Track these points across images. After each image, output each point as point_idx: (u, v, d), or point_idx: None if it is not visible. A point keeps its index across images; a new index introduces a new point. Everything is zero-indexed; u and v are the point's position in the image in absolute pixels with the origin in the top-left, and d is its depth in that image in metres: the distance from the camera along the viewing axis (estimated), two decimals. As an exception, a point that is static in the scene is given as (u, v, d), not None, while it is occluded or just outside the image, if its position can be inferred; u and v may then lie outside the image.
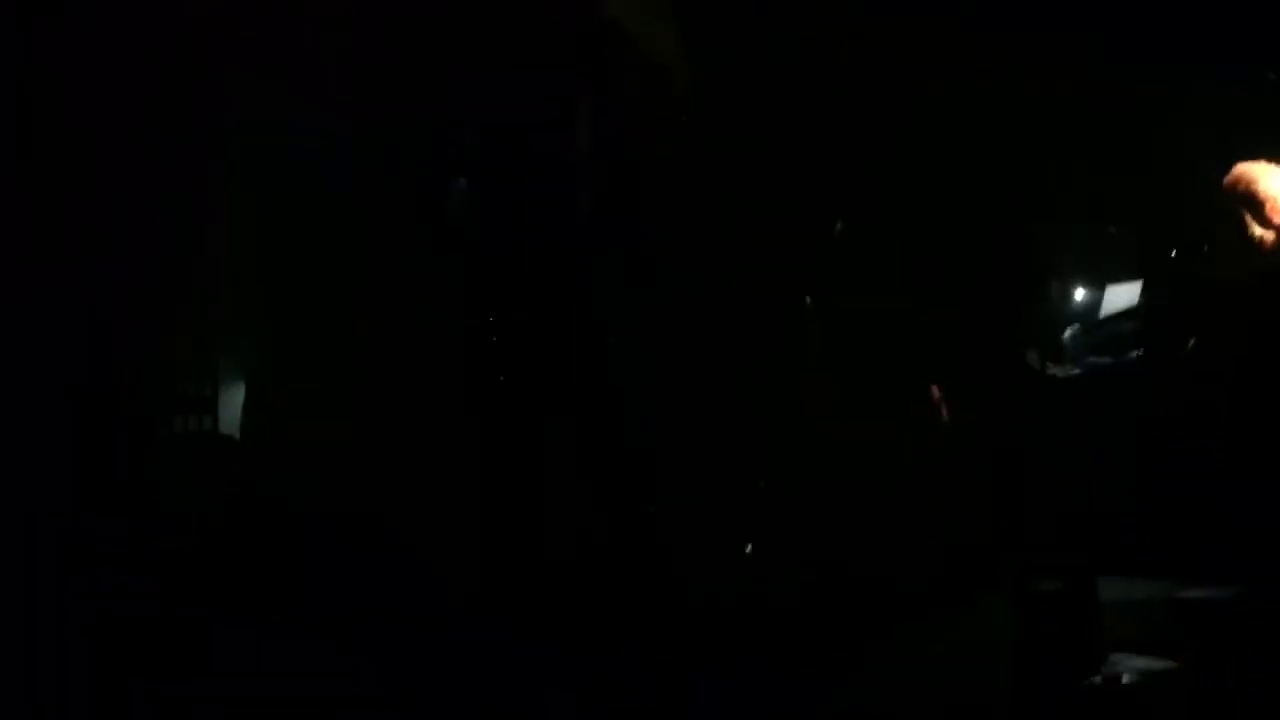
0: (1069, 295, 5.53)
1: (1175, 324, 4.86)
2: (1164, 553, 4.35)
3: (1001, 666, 4.07)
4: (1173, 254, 5.03)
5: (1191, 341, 4.71)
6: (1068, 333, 5.52)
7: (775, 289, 6.31)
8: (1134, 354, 5.03)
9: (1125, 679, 3.80)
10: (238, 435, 4.56)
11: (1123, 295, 5.35)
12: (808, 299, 6.30)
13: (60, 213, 4.04)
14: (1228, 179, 5.60)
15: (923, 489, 5.55)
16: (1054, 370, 5.26)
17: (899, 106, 6.87)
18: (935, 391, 6.99)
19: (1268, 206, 5.33)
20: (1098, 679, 3.81)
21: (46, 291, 3.84)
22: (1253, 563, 4.03)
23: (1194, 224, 5.51)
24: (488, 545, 3.84)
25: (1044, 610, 4.18)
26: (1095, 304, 5.41)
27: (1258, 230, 5.35)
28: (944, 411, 6.90)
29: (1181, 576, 4.18)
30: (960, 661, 4.14)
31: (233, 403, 4.58)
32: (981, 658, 4.16)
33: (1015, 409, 4.99)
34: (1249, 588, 4.05)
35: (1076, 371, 5.22)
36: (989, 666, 4.09)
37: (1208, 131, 6.25)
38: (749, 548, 4.39)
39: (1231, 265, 5.15)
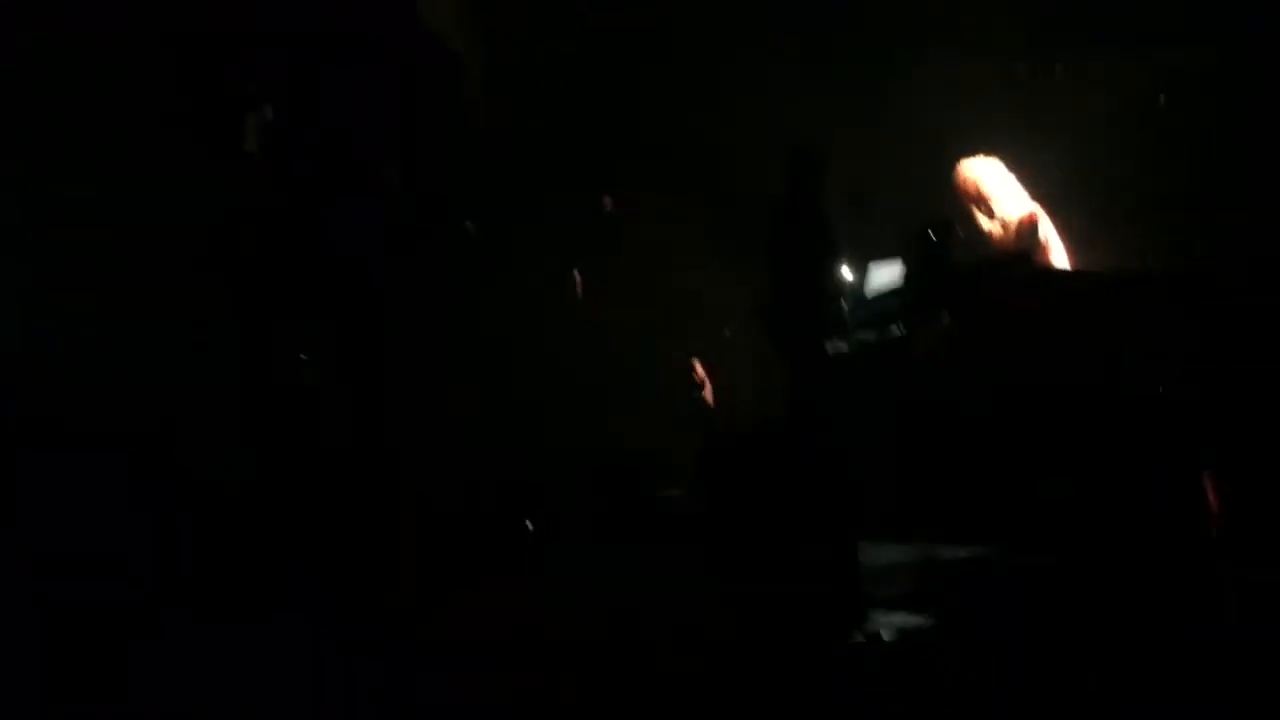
0: (838, 273, 5.77)
1: (931, 303, 5.16)
2: (920, 516, 4.61)
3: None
4: (931, 236, 5.32)
5: (945, 318, 5.03)
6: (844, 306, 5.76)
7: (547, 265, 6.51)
8: (896, 330, 5.31)
9: (884, 636, 4.00)
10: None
11: (886, 274, 5.62)
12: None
13: None
14: (955, 178, 6.09)
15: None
16: (830, 346, 5.47)
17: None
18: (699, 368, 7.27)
19: (990, 203, 5.86)
20: (859, 637, 4.00)
21: None
22: (1003, 523, 4.33)
23: (944, 207, 5.92)
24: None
25: (809, 572, 4.37)
26: (861, 282, 5.66)
27: (985, 223, 5.86)
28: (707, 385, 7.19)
29: (935, 538, 4.44)
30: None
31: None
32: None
33: (808, 384, 5.14)
34: (998, 546, 4.35)
35: (846, 348, 5.46)
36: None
37: (951, 113, 6.72)
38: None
39: (971, 251, 5.62)
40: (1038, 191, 6.04)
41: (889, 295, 5.47)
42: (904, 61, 7.04)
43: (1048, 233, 5.85)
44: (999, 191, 5.90)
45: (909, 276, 5.41)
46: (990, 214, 5.86)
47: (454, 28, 4.97)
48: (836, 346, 5.45)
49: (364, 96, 3.14)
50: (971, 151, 6.04)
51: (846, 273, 5.53)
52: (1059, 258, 5.83)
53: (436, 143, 3.53)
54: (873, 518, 4.77)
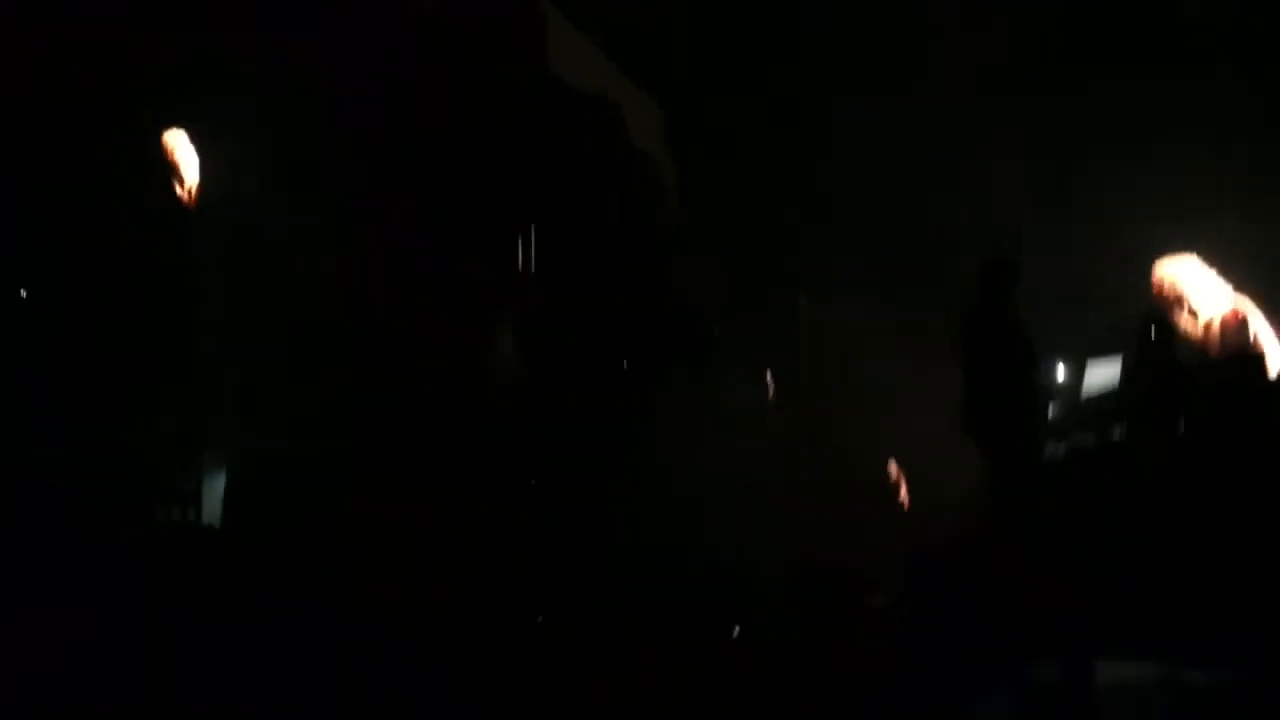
0: (1051, 373, 5.59)
1: (1159, 405, 4.92)
2: (1166, 635, 4.32)
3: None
4: (1152, 335, 5.11)
5: (1181, 422, 4.78)
6: (1052, 410, 5.58)
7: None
8: (1118, 433, 5.08)
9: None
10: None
11: (1101, 374, 5.41)
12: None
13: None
14: (1154, 280, 5.87)
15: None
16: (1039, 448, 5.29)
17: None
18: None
19: (1191, 304, 5.60)
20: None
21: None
22: (1257, 647, 4.02)
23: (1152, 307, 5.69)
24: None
25: (1047, 698, 4.13)
26: (1077, 383, 5.47)
27: (1189, 325, 5.60)
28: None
29: (1184, 660, 4.15)
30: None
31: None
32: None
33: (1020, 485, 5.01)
34: (1252, 673, 4.04)
35: (1061, 451, 5.25)
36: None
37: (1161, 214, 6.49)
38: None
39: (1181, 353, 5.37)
40: (1253, 287, 5.76)
41: (1107, 396, 5.26)
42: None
43: (1259, 328, 5.55)
44: (1199, 290, 5.65)
45: (1127, 376, 5.20)
46: (1194, 315, 5.61)
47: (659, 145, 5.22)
48: (1051, 451, 5.26)
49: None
50: (1172, 248, 5.84)
51: (1060, 373, 5.37)
52: (1276, 353, 5.52)
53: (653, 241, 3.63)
54: (1106, 633, 4.49)
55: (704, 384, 4.75)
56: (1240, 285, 5.77)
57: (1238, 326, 5.50)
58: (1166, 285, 5.68)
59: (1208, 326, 5.60)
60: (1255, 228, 6.22)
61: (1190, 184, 6.42)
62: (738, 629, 5.26)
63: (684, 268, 5.56)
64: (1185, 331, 5.62)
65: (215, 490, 4.52)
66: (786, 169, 7.15)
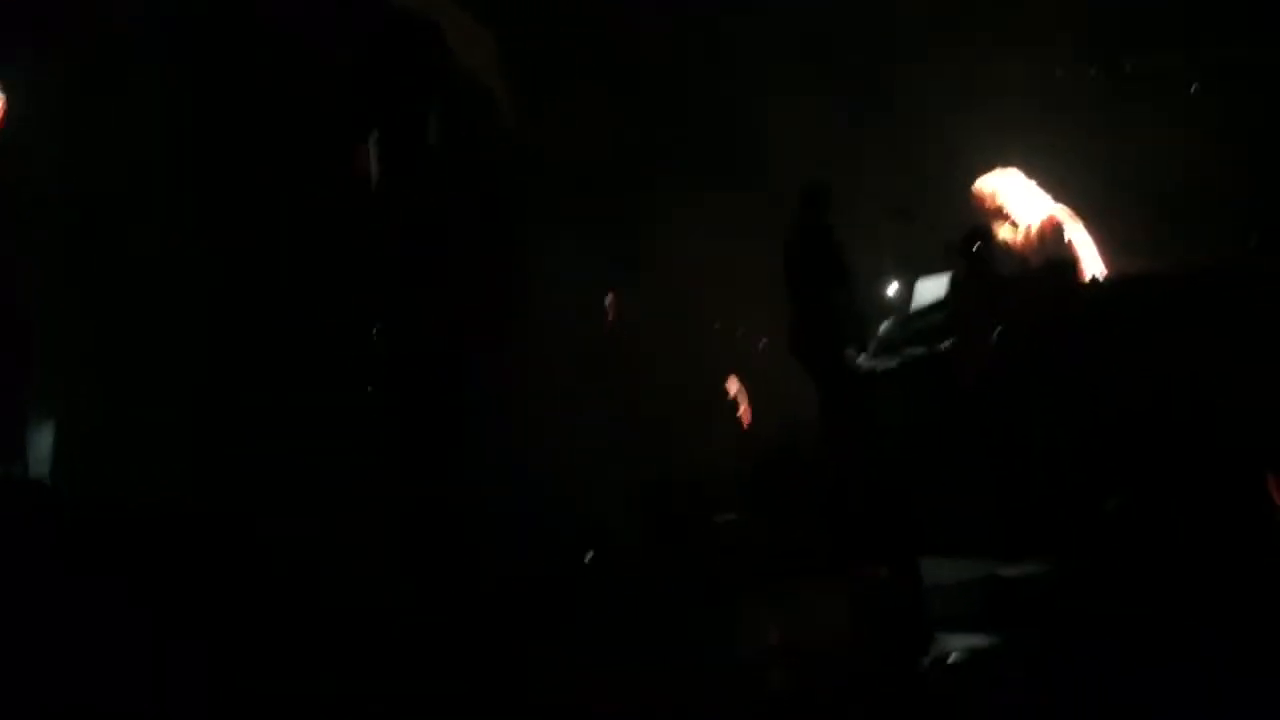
0: (880, 290, 5.77)
1: (978, 316, 5.13)
2: (981, 533, 4.57)
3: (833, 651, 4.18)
4: (973, 249, 5.29)
5: (996, 331, 4.99)
6: (883, 326, 5.76)
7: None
8: (944, 345, 5.28)
9: (952, 659, 3.96)
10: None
11: (931, 289, 5.60)
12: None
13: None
14: (974, 192, 6.12)
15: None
16: (873, 364, 5.46)
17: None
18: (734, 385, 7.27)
19: (1010, 214, 5.88)
20: (927, 660, 3.96)
21: None
22: (1066, 538, 4.28)
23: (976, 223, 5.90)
24: None
25: (872, 596, 4.34)
26: (906, 298, 5.65)
27: (1007, 234, 5.87)
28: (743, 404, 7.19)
29: (998, 556, 4.40)
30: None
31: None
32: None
33: (842, 402, 5.16)
34: (1064, 563, 4.29)
35: (894, 364, 5.43)
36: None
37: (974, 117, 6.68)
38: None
39: (1001, 264, 5.61)
40: (1070, 196, 6.01)
41: (935, 309, 5.45)
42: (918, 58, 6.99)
43: (1074, 235, 5.83)
44: (1019, 201, 5.91)
45: (953, 289, 5.39)
46: (1013, 224, 5.88)
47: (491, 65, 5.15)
48: (883, 363, 5.44)
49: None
50: (993, 162, 6.04)
51: (892, 289, 5.55)
52: (1090, 259, 5.80)
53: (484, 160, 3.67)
54: (932, 535, 4.73)
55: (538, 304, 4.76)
56: (1058, 195, 6.06)
57: (1053, 233, 5.81)
58: (988, 197, 5.95)
59: (1026, 234, 5.89)
60: (1073, 138, 6.47)
61: (1010, 102, 6.65)
62: (591, 553, 5.35)
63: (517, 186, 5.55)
64: (1006, 242, 5.89)
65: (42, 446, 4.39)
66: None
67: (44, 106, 4.57)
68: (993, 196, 5.87)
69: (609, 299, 6.96)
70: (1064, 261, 5.53)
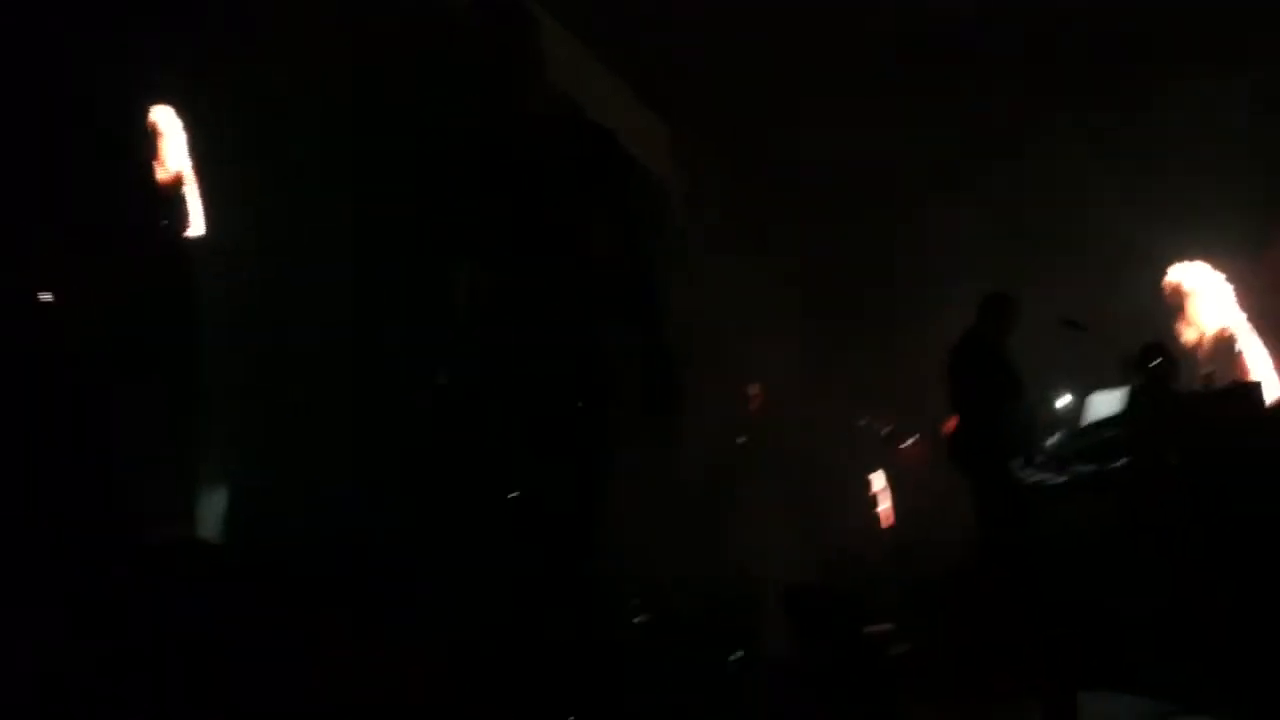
0: (1051, 403, 5.56)
1: (1159, 433, 4.88)
2: (1153, 671, 4.28)
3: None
4: (1152, 363, 5.07)
5: (1177, 453, 4.74)
6: (1051, 440, 5.54)
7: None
8: (1118, 463, 5.03)
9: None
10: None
11: (1104, 403, 5.37)
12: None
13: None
14: (1165, 284, 5.88)
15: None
16: (1040, 477, 5.25)
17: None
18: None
19: (1190, 308, 5.64)
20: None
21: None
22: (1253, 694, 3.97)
23: (1156, 334, 5.65)
24: None
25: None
26: (1077, 411, 5.43)
27: (1184, 331, 5.63)
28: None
29: (1172, 699, 4.11)
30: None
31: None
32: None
33: (1007, 515, 4.99)
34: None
35: (1063, 479, 5.21)
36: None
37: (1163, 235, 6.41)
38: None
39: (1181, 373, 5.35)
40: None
41: (1109, 424, 5.21)
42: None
43: (1249, 350, 5.56)
44: (1203, 299, 5.66)
45: (1131, 406, 5.15)
46: (1191, 325, 5.64)
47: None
48: (1051, 478, 5.23)
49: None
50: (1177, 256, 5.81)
51: (1062, 401, 5.34)
52: (1266, 377, 5.52)
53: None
54: (1096, 668, 4.46)
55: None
56: (1237, 302, 5.78)
57: (1227, 344, 5.56)
58: (1172, 286, 5.73)
59: (1199, 341, 5.64)
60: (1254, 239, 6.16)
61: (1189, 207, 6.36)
62: (740, 652, 5.24)
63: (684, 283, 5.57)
64: (1180, 347, 5.63)
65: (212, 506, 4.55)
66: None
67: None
68: (1178, 288, 5.64)
69: (754, 389, 6.92)
70: (1250, 384, 5.24)
